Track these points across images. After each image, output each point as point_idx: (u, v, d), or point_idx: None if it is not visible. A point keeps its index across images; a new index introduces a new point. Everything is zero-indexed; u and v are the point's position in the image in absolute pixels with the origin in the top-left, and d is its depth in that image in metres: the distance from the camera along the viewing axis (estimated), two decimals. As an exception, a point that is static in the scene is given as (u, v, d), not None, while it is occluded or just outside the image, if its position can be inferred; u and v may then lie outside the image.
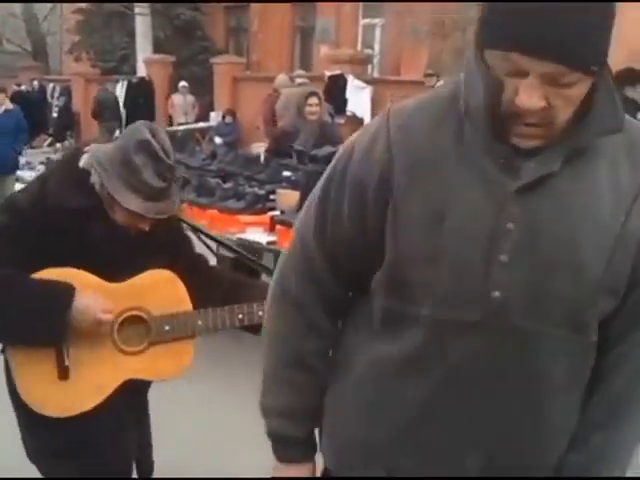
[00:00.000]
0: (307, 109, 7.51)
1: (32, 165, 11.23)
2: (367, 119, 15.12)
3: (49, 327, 2.44)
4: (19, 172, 9.96)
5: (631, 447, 1.65)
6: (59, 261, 2.47)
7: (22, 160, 11.09)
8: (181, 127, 18.21)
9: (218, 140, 16.31)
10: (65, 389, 2.52)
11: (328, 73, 15.48)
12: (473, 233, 1.45)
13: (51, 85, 22.28)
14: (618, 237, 1.45)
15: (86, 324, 2.46)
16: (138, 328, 2.61)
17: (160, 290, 2.63)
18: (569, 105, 1.39)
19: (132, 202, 2.46)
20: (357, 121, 14.95)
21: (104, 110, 18.59)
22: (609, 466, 1.61)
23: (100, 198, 2.53)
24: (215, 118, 17.84)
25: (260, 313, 2.65)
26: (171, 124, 18.81)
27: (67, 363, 2.51)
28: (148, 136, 2.48)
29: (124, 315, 2.58)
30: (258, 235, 5.32)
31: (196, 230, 3.22)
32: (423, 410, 1.55)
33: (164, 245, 2.70)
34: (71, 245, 2.48)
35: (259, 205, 5.53)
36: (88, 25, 23.13)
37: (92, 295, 2.47)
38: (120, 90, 19.67)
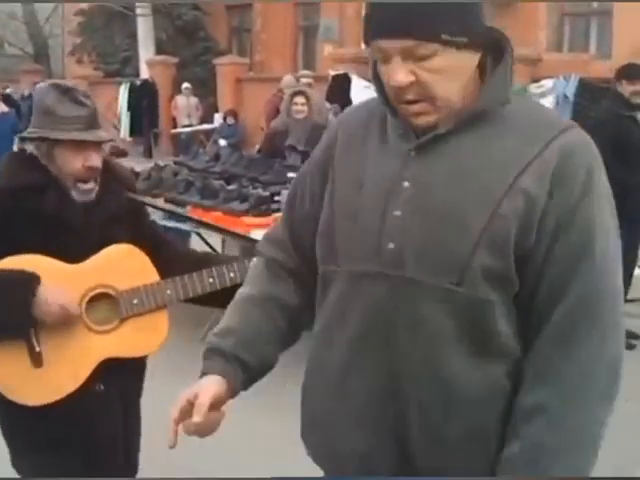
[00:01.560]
0: (293, 108, 7.56)
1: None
2: (372, 119, 15.13)
3: (12, 320, 2.47)
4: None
5: (588, 426, 1.57)
6: (16, 246, 2.50)
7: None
8: (185, 129, 18.31)
9: (222, 142, 16.35)
10: (41, 376, 2.52)
11: (332, 73, 15.52)
12: (377, 192, 1.65)
13: (53, 88, 22.34)
14: (505, 194, 1.56)
15: (52, 315, 2.48)
16: (107, 306, 2.59)
17: (123, 264, 2.62)
18: (441, 78, 1.56)
19: (69, 135, 2.52)
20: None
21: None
22: (555, 454, 1.56)
23: (42, 170, 2.59)
24: (219, 119, 17.89)
25: (231, 275, 2.67)
26: (175, 126, 18.89)
27: (38, 349, 2.50)
28: (45, 83, 2.62)
29: (90, 294, 2.56)
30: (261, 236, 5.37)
31: (152, 206, 3.20)
32: (344, 364, 1.69)
33: (118, 218, 2.70)
34: (26, 225, 2.53)
35: (263, 206, 5.58)
36: (89, 27, 23.22)
37: (55, 283, 2.49)
38: (123, 92, 19.75)
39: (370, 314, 1.64)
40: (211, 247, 6.62)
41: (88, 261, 2.58)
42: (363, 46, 13.43)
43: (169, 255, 2.79)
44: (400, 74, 1.54)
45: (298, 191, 1.88)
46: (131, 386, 2.83)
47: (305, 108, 7.58)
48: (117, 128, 19.92)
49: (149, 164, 7.40)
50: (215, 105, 18.93)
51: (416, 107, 1.59)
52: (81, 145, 2.55)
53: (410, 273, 1.59)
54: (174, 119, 18.99)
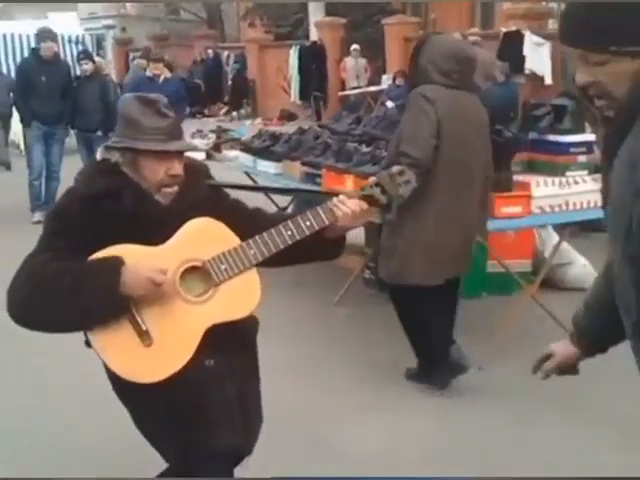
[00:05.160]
0: None
1: (203, 133, 11.70)
2: (548, 77, 14.72)
3: (105, 303, 2.62)
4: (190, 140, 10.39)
5: None
6: (100, 245, 2.67)
7: (192, 128, 11.56)
8: (353, 91, 18.42)
9: (389, 104, 16.31)
10: (153, 354, 2.67)
11: (504, 30, 15.16)
12: None
13: (226, 53, 22.99)
14: None
15: (142, 288, 2.62)
16: (198, 277, 2.74)
17: (204, 236, 2.77)
18: (616, 80, 1.77)
19: (154, 145, 2.73)
20: (537, 79, 14.59)
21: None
22: None
23: (120, 175, 2.79)
24: (387, 81, 17.86)
25: (307, 223, 2.78)
26: (343, 88, 19.05)
27: (145, 328, 2.67)
28: (129, 95, 2.88)
29: (181, 270, 2.71)
30: (390, 200, 5.38)
31: (236, 187, 3.29)
32: None
33: (197, 205, 2.84)
34: (107, 226, 2.71)
35: (395, 169, 5.56)
36: (262, -10, 23.72)
37: (139, 260, 2.64)
38: (293, 56, 20.07)
39: None
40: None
41: (169, 242, 2.74)
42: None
43: (259, 225, 2.87)
44: (578, 75, 1.82)
45: None
46: (241, 364, 2.92)
47: None
48: (287, 92, 20.30)
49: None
50: (384, 66, 18.92)
51: (599, 102, 1.85)
52: (164, 155, 2.77)
53: None
54: (342, 81, 19.13)
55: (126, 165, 2.80)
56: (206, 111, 22.43)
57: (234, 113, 21.97)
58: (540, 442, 4.16)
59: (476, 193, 4.47)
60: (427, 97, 4.40)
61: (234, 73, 22.30)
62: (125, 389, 2.79)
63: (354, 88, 18.55)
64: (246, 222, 2.90)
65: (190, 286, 2.73)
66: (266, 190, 5.14)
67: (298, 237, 2.78)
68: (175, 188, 2.80)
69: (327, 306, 6.26)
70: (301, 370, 5.11)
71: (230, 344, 2.81)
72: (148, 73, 10.07)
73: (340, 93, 19.10)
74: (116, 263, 2.63)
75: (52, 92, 9.23)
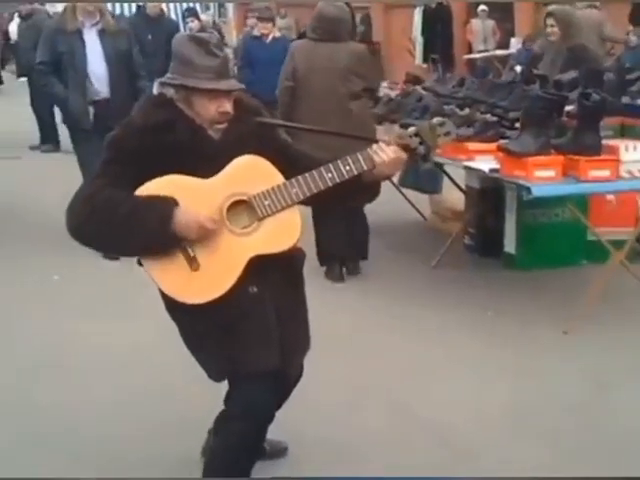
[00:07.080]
0: (547, 30, 7.72)
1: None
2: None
3: (157, 239, 3.02)
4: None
5: None
6: (156, 173, 3.05)
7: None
8: (478, 55, 18.37)
9: (518, 68, 16.21)
10: (200, 278, 3.07)
11: (631, -8, 14.89)
12: None
13: (351, 14, 23.11)
14: None
15: (192, 231, 3.01)
16: (244, 210, 3.10)
17: (250, 173, 3.13)
18: None
19: (205, 83, 3.07)
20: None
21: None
22: None
23: (174, 109, 3.15)
24: (516, 45, 17.74)
25: (347, 167, 3.12)
26: (470, 51, 19.00)
27: (192, 254, 3.05)
28: (184, 33, 3.30)
29: (228, 203, 3.08)
30: (483, 163, 5.67)
31: (278, 125, 3.66)
32: None
33: (246, 140, 3.18)
34: (163, 155, 3.07)
35: (490, 132, 5.84)
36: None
37: (192, 203, 3.03)
38: (418, 16, 20.09)
39: None
40: (451, 178, 7.05)
41: (219, 175, 3.13)
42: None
43: (304, 166, 3.21)
44: None
45: None
46: (284, 294, 3.29)
47: (555, 30, 7.69)
48: (412, 54, 20.34)
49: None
50: (512, 29, 18.79)
51: None
52: (215, 93, 3.12)
53: None
54: (469, 44, 19.08)
55: (180, 101, 3.15)
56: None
57: (358, 76, 22.06)
58: (620, 408, 4.34)
59: (339, 121, 5.79)
60: (291, 50, 6.50)
61: (360, 36, 22.44)
62: (174, 307, 3.19)
63: (481, 52, 18.48)
64: (292, 162, 3.25)
65: (236, 218, 3.10)
66: (308, 130, 5.51)
67: (338, 180, 3.13)
68: (225, 124, 3.17)
69: (425, 269, 6.60)
70: (400, 329, 5.50)
71: (274, 275, 3.18)
72: (255, 32, 10.26)
73: (466, 56, 19.05)
74: (170, 203, 3.02)
75: (158, 51, 9.51)
